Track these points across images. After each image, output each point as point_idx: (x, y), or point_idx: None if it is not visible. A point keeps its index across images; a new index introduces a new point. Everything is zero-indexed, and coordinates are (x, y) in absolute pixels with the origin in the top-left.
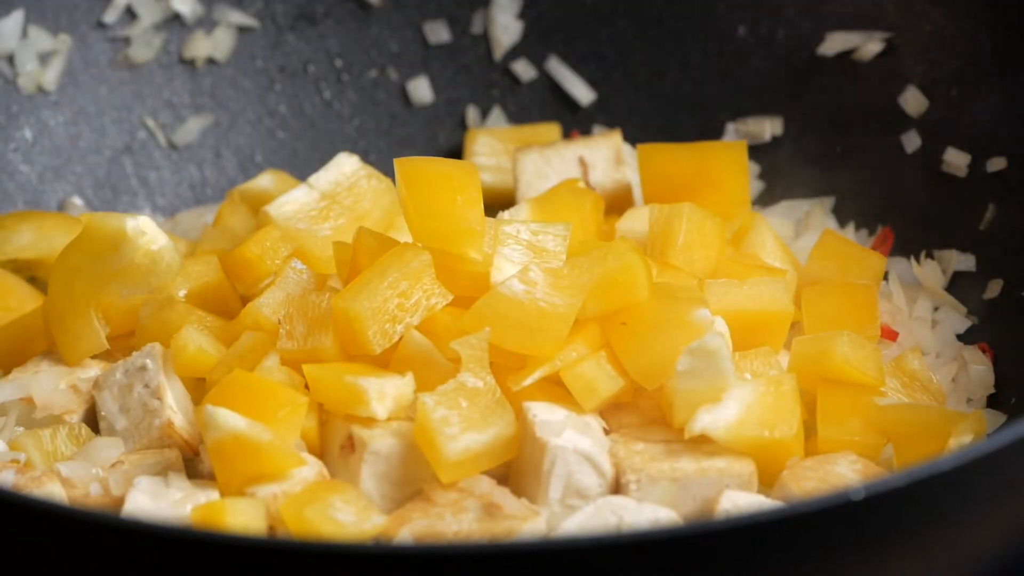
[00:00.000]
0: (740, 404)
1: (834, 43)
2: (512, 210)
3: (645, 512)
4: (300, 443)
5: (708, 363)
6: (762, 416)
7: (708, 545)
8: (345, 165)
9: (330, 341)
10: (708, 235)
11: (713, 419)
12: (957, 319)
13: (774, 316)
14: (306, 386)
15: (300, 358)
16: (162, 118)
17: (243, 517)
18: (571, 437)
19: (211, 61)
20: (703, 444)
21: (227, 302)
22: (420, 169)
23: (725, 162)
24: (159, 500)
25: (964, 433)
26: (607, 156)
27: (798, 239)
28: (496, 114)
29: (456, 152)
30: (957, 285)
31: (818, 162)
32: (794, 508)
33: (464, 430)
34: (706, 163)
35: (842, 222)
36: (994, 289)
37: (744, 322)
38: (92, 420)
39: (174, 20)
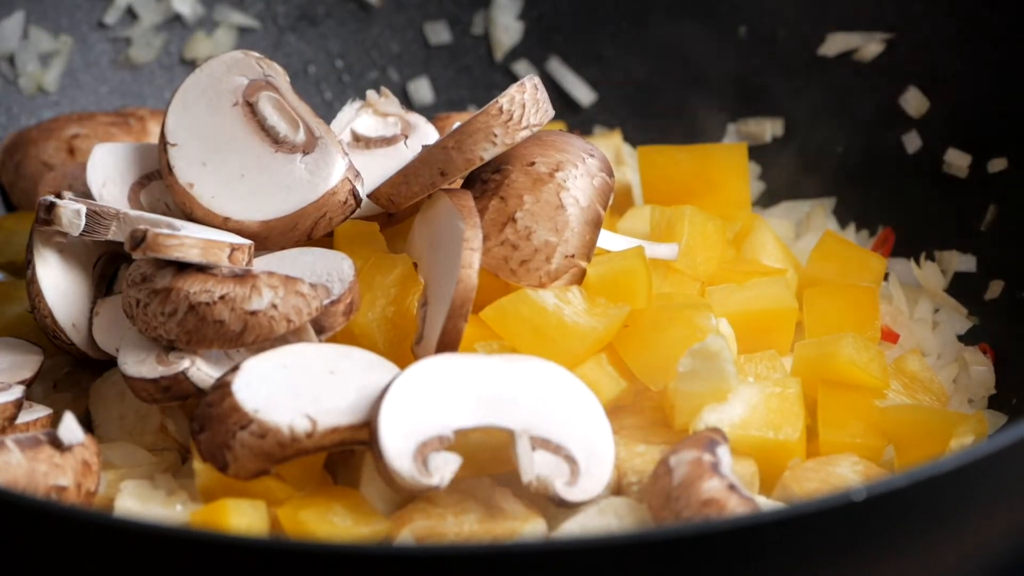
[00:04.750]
0: (745, 405)
1: (835, 43)
2: None
3: (646, 513)
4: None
5: (710, 365)
6: (767, 417)
7: (709, 546)
8: None
9: None
10: (710, 237)
11: (719, 418)
12: (958, 320)
13: (779, 314)
14: None
15: None
16: None
17: (246, 518)
18: None
19: None
20: None
21: None
22: None
23: (725, 164)
24: (148, 502)
25: (965, 434)
26: (607, 156)
27: (798, 240)
28: None
29: None
30: (958, 286)
31: (819, 163)
32: (795, 509)
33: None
34: (707, 165)
35: (843, 223)
36: (995, 290)
37: (749, 323)
38: (87, 424)
39: (175, 21)
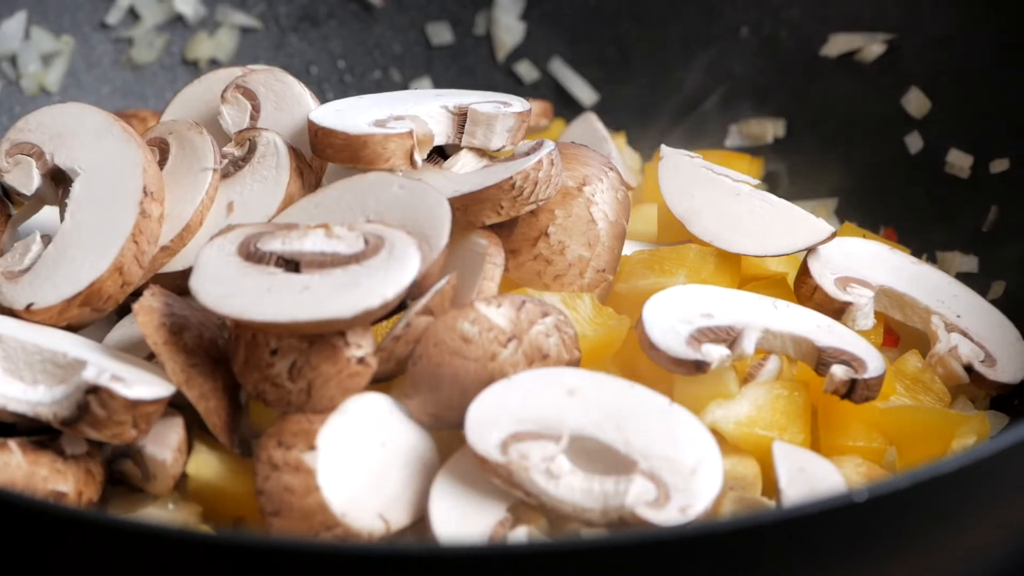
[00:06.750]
0: (752, 404)
1: (837, 44)
2: None
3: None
4: None
5: (711, 374)
6: (773, 418)
7: (712, 546)
8: None
9: None
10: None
11: (725, 414)
12: None
13: None
14: None
15: None
16: None
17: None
18: None
19: (214, 62)
20: None
21: None
22: None
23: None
24: (138, 503)
25: (967, 435)
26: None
27: None
28: None
29: None
30: None
31: (821, 164)
32: (798, 509)
33: None
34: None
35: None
36: (997, 290)
37: None
38: None
39: (177, 21)
